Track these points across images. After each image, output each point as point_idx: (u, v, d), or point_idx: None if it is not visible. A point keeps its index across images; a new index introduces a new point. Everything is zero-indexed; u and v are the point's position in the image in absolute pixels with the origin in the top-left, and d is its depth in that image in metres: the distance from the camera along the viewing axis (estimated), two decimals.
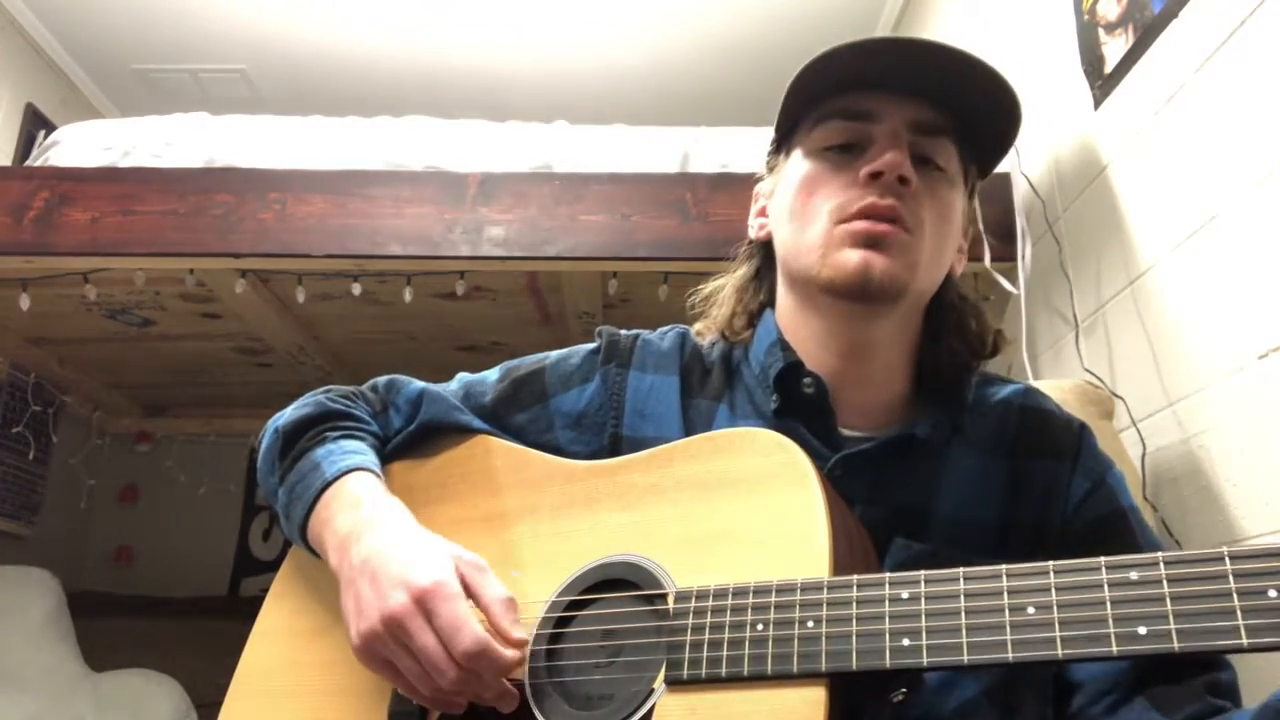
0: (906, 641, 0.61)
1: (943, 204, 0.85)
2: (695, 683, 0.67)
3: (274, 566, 3.36)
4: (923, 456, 0.85)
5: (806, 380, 0.86)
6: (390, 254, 1.93)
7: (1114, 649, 0.56)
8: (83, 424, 3.27)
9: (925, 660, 0.60)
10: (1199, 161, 1.34)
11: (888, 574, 0.64)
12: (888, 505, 0.82)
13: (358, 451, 0.91)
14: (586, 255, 1.94)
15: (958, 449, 0.86)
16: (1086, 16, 1.66)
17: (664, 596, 0.72)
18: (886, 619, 0.62)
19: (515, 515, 0.87)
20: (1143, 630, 0.55)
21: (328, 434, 0.92)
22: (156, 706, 2.54)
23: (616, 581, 0.76)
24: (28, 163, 2.24)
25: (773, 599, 0.66)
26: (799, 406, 0.86)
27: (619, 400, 0.93)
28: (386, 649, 0.73)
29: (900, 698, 0.64)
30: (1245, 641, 0.52)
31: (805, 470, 0.72)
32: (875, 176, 0.82)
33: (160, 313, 2.40)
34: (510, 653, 0.73)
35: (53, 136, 2.17)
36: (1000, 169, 1.93)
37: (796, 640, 0.64)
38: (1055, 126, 1.79)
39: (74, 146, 2.08)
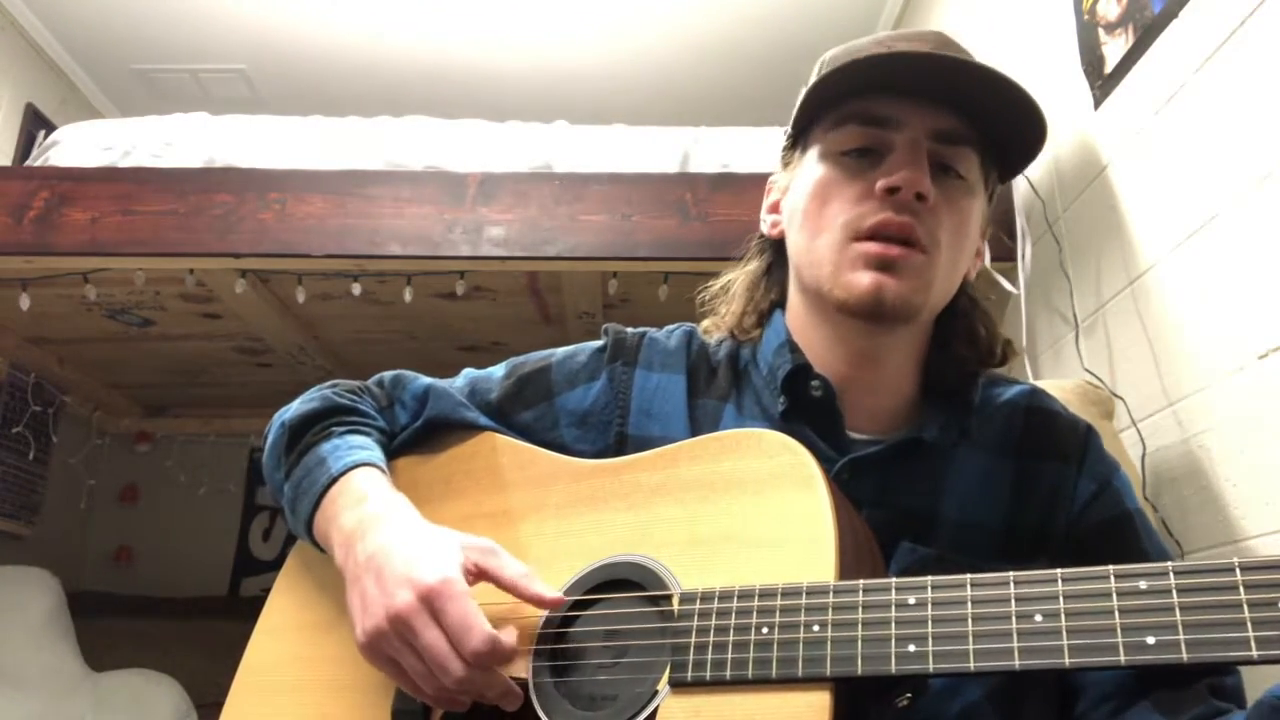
0: (912, 647, 0.61)
1: (961, 215, 0.84)
2: (699, 685, 0.66)
3: (274, 566, 3.37)
4: (929, 459, 0.85)
5: (815, 383, 0.85)
6: (390, 254, 1.93)
7: (1122, 659, 0.55)
8: (83, 424, 3.26)
9: (931, 667, 0.60)
10: (1199, 161, 1.34)
11: (894, 579, 0.64)
12: (894, 508, 0.82)
13: (364, 447, 0.91)
14: (586, 255, 1.94)
15: (964, 451, 0.86)
16: (1086, 16, 1.66)
17: (669, 597, 0.72)
18: (893, 624, 0.62)
19: (520, 513, 0.87)
20: (1151, 640, 0.55)
21: (334, 429, 0.92)
22: (156, 706, 2.54)
23: (621, 582, 0.76)
24: (28, 163, 2.24)
25: (778, 602, 0.66)
26: (806, 409, 0.86)
27: (625, 399, 0.93)
28: (391, 647, 0.73)
29: (905, 702, 0.64)
30: (1255, 653, 0.52)
31: (812, 472, 0.72)
32: (892, 191, 0.80)
33: (160, 313, 2.40)
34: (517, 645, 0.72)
35: (53, 136, 2.16)
36: None
37: (802, 644, 0.64)
38: (1055, 126, 1.79)
39: (74, 146, 2.08)
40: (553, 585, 0.79)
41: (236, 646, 0.96)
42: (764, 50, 3.12)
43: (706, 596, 0.69)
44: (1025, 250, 1.81)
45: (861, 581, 0.65)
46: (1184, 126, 1.38)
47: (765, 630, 0.65)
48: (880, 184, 0.80)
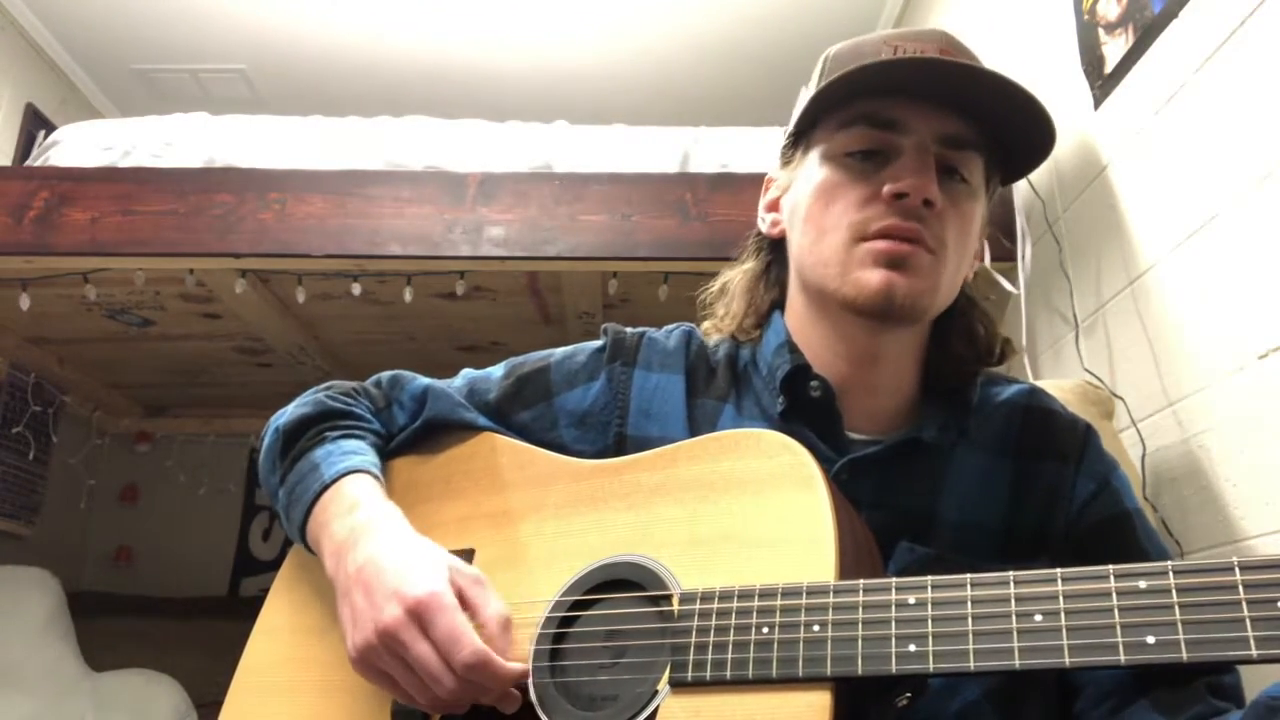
0: (913, 647, 0.61)
1: (965, 218, 0.84)
2: (700, 685, 0.66)
3: (274, 566, 3.36)
4: (928, 459, 0.85)
5: (814, 383, 0.85)
6: (390, 254, 1.93)
7: (1121, 658, 0.55)
8: (83, 424, 3.26)
9: (931, 666, 0.60)
10: (1199, 161, 1.34)
11: (894, 579, 0.64)
12: (893, 509, 0.82)
13: (357, 452, 0.91)
14: (586, 255, 1.94)
15: (962, 451, 0.86)
16: (1086, 16, 1.66)
17: (669, 597, 0.72)
18: (893, 624, 0.62)
19: (520, 513, 0.87)
20: (1151, 640, 0.55)
21: (327, 433, 0.92)
22: (156, 706, 2.54)
23: (621, 582, 0.76)
24: (28, 163, 2.24)
25: (778, 602, 0.66)
26: (805, 409, 0.86)
27: (624, 399, 0.93)
28: (382, 661, 0.74)
29: (905, 702, 0.64)
30: (1255, 653, 0.52)
31: (812, 472, 0.72)
32: (899, 197, 0.79)
33: (160, 313, 2.40)
34: (513, 665, 0.73)
35: (53, 136, 2.16)
36: None
37: (802, 644, 0.64)
38: (1055, 126, 1.79)
39: (74, 146, 2.08)
40: (553, 585, 0.79)
41: (236, 646, 0.96)
42: (764, 50, 3.12)
43: (706, 596, 0.69)
44: (1025, 250, 1.81)
45: (861, 581, 0.65)
46: (1184, 126, 1.38)
47: (765, 630, 0.65)
48: (888, 189, 0.80)
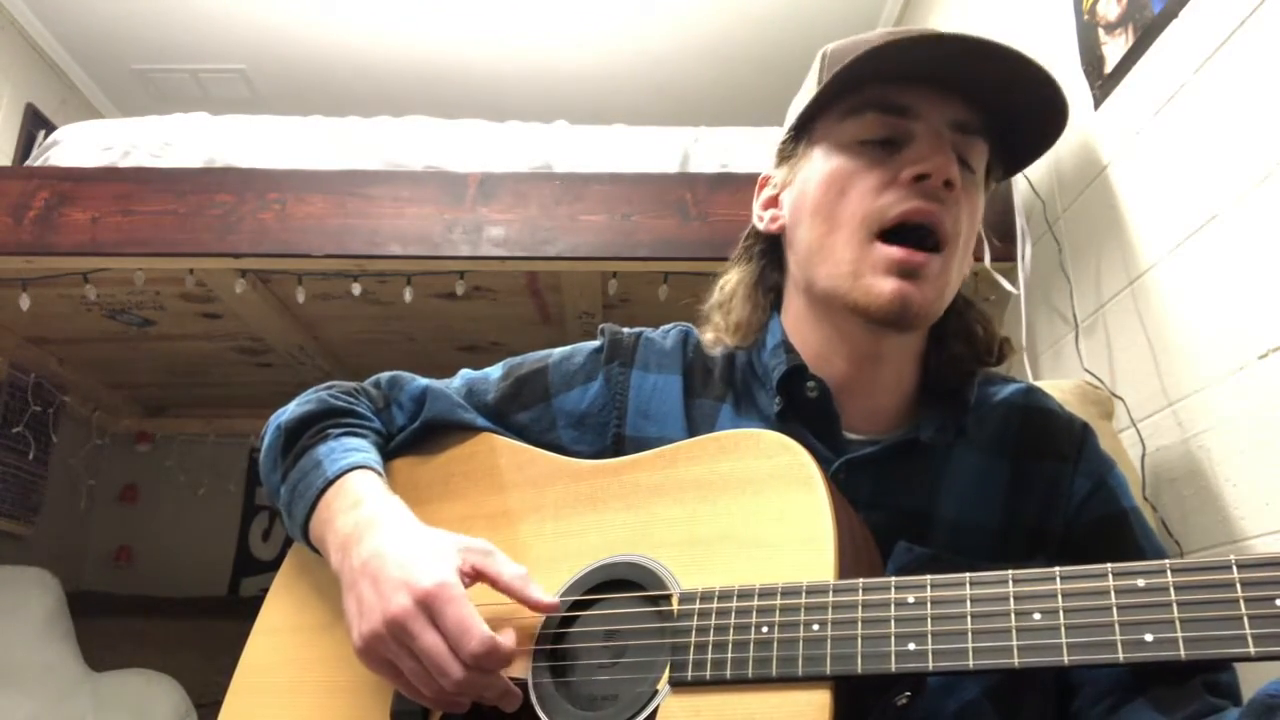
0: (912, 646, 0.61)
1: (973, 208, 0.83)
2: (699, 684, 0.67)
3: (274, 566, 3.36)
4: (925, 459, 0.84)
5: (810, 384, 0.85)
6: (390, 254, 1.93)
7: (1120, 656, 0.56)
8: (83, 424, 3.26)
9: (930, 665, 0.60)
10: (1199, 161, 1.34)
11: (894, 578, 0.64)
12: (891, 509, 0.82)
13: (360, 449, 0.91)
14: (586, 255, 1.94)
15: (960, 450, 0.86)
16: (1086, 16, 1.66)
17: (668, 597, 0.72)
18: (892, 623, 0.62)
19: (519, 514, 0.87)
20: (1149, 638, 0.55)
21: (330, 431, 0.92)
22: (156, 706, 2.54)
23: (620, 582, 0.76)
24: (28, 163, 2.24)
25: (778, 601, 0.66)
26: (802, 409, 0.86)
27: (622, 400, 0.93)
28: (389, 650, 0.73)
29: (904, 701, 0.64)
30: (1252, 650, 0.52)
31: (811, 472, 0.72)
32: (920, 179, 0.78)
33: (160, 313, 2.40)
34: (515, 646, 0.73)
35: (53, 136, 2.16)
36: None
37: (801, 643, 0.64)
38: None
39: (74, 146, 2.08)
40: (552, 586, 0.79)
41: (236, 646, 0.96)
42: (764, 50, 3.12)
43: (706, 596, 0.69)
44: (1025, 250, 1.81)
45: (861, 580, 0.65)
46: (1184, 126, 1.38)
47: (765, 629, 0.65)
48: (909, 171, 0.78)
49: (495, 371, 1.00)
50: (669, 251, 1.92)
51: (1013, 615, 0.59)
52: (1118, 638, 0.56)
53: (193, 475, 3.43)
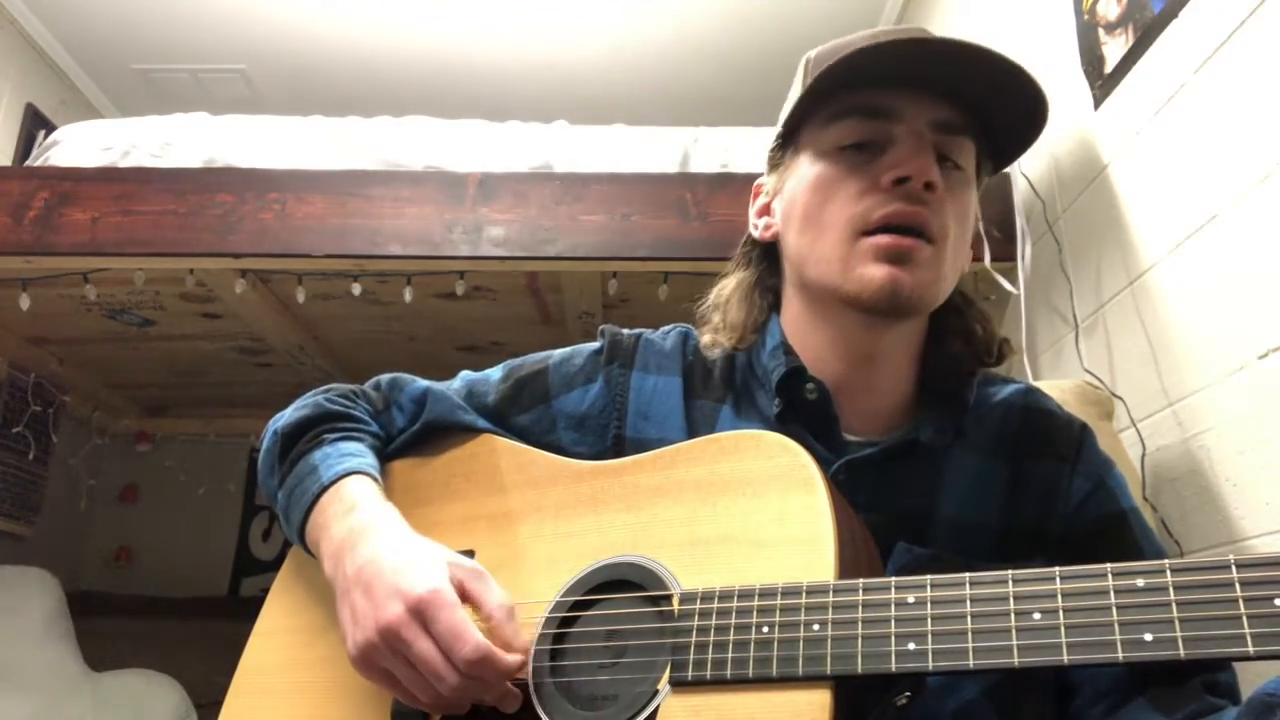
0: (912, 645, 0.61)
1: (962, 206, 0.83)
2: (700, 684, 0.67)
3: (274, 566, 3.36)
4: (924, 460, 0.84)
5: (809, 386, 0.85)
6: (390, 254, 1.93)
7: (1120, 655, 0.56)
8: (83, 424, 3.26)
9: (930, 665, 0.60)
10: (1199, 161, 1.34)
11: (894, 578, 0.64)
12: (890, 509, 0.82)
13: (355, 454, 0.91)
14: (586, 255, 1.94)
15: (959, 451, 0.86)
16: (1086, 16, 1.66)
17: (669, 597, 0.72)
18: (892, 623, 0.62)
19: (519, 514, 0.87)
20: (1149, 637, 0.55)
21: (326, 436, 0.92)
22: (156, 706, 2.54)
23: (621, 582, 0.76)
24: (28, 163, 2.24)
25: (778, 601, 0.66)
26: (801, 411, 0.86)
27: (622, 402, 0.93)
28: (384, 658, 0.74)
29: (904, 701, 0.64)
30: (1251, 650, 0.52)
31: (811, 473, 0.72)
32: (899, 182, 0.78)
33: (160, 313, 2.40)
34: (512, 658, 0.73)
35: (53, 136, 2.16)
36: None
37: (802, 643, 0.64)
38: (1055, 126, 1.79)
39: (74, 146, 2.08)
40: (553, 586, 0.79)
41: (236, 647, 0.96)
42: (764, 50, 3.13)
43: (706, 596, 0.69)
44: (1025, 250, 1.81)
45: (861, 581, 0.65)
46: (1184, 126, 1.38)
47: (765, 629, 0.66)
48: (889, 175, 0.79)
49: (495, 373, 1.00)
50: (669, 251, 1.92)
51: (1012, 615, 0.59)
52: (1117, 637, 0.56)
53: (193, 475, 3.44)
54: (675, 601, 0.71)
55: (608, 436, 0.92)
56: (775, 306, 0.94)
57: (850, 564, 0.68)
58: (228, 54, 3.19)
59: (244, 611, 1.04)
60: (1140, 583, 0.57)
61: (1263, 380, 1.19)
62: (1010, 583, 0.61)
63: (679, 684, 0.67)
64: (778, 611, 0.66)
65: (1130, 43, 1.51)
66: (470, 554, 0.86)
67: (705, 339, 0.94)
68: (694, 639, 0.68)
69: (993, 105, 0.81)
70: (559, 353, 0.99)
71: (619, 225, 1.93)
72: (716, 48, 3.14)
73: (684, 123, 2.19)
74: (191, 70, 3.28)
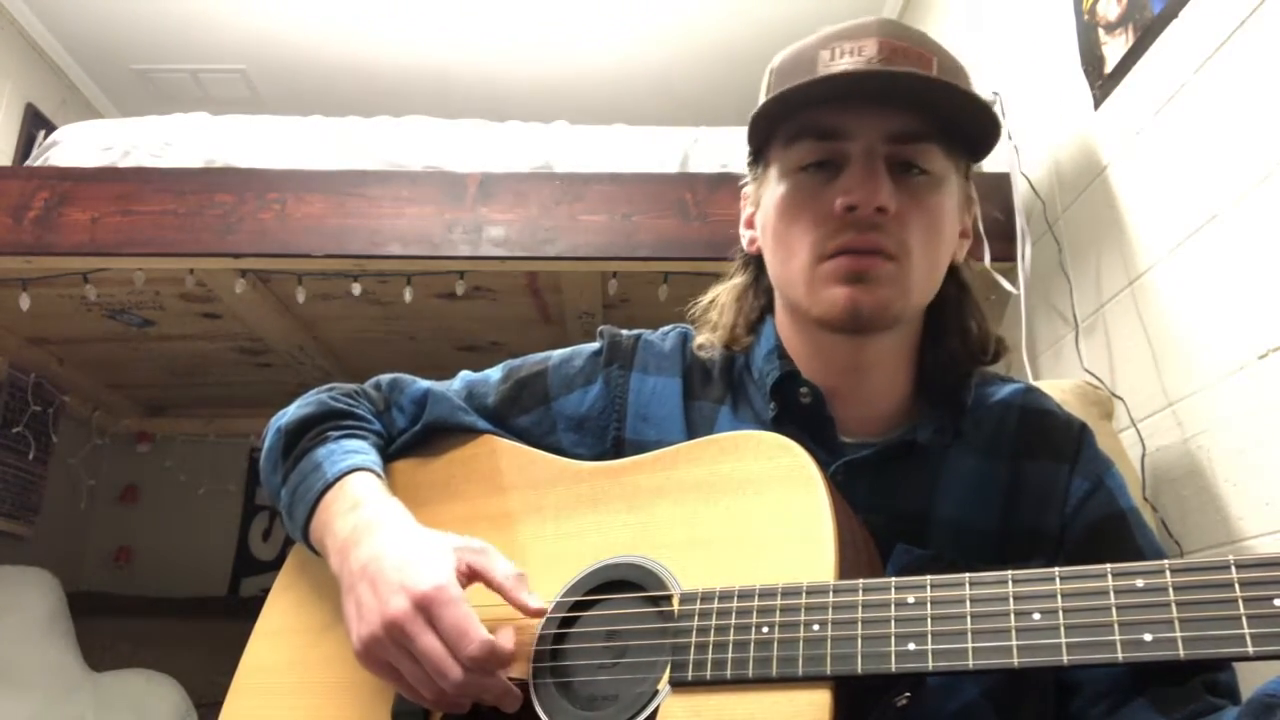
0: (912, 646, 0.61)
1: (930, 212, 0.81)
2: (700, 684, 0.67)
3: (274, 566, 3.36)
4: (923, 461, 0.84)
5: (803, 390, 0.85)
6: (390, 254, 1.94)
7: (1119, 655, 0.56)
8: (83, 424, 3.27)
9: (930, 665, 0.60)
10: (1199, 161, 1.34)
11: (893, 579, 0.64)
12: (888, 511, 0.82)
13: (359, 451, 0.91)
14: (586, 255, 1.94)
15: (957, 452, 0.86)
16: (1086, 16, 1.66)
17: (669, 598, 0.72)
18: (892, 623, 0.62)
19: (520, 515, 0.87)
20: (1148, 637, 0.55)
21: (330, 433, 0.92)
22: (156, 706, 2.54)
23: (621, 583, 0.76)
24: (28, 163, 2.24)
25: (778, 601, 0.66)
26: (796, 414, 0.86)
27: (621, 403, 0.93)
28: (388, 653, 0.74)
29: (904, 701, 0.64)
30: (1251, 650, 0.52)
31: (811, 473, 0.72)
32: (851, 209, 0.78)
33: (160, 313, 2.40)
34: (510, 650, 0.73)
35: (53, 136, 2.17)
36: (1000, 169, 1.94)
37: (802, 643, 0.64)
38: (1055, 126, 1.80)
39: (74, 146, 2.08)
40: (553, 586, 0.79)
41: (236, 647, 0.96)
42: (764, 50, 3.07)
43: (706, 597, 0.69)
44: (1025, 250, 1.81)
45: (861, 581, 0.65)
46: (1184, 126, 1.38)
47: (765, 630, 0.66)
48: (839, 203, 0.78)
49: (495, 374, 1.00)
50: (669, 251, 1.92)
51: (1012, 615, 0.59)
52: (1117, 638, 0.56)
53: (193, 475, 3.44)
54: (675, 602, 0.71)
55: (607, 438, 0.92)
56: (771, 308, 0.94)
57: (850, 564, 0.68)
58: (228, 54, 3.19)
59: (244, 611, 1.04)
60: (1140, 583, 0.57)
61: (1263, 380, 1.19)
62: (1010, 583, 0.61)
63: (679, 684, 0.67)
64: (778, 612, 0.66)
65: (1130, 43, 1.51)
66: None
67: (698, 340, 0.95)
68: (694, 639, 0.68)
69: (947, 112, 0.80)
70: (558, 354, 0.99)
71: (619, 225, 1.93)
72: (717, 48, 3.14)
73: (684, 123, 2.19)
74: (191, 70, 3.28)
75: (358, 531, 0.81)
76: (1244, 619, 0.53)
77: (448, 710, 0.76)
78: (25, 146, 2.90)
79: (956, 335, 0.88)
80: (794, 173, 0.83)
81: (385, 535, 0.79)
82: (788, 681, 0.63)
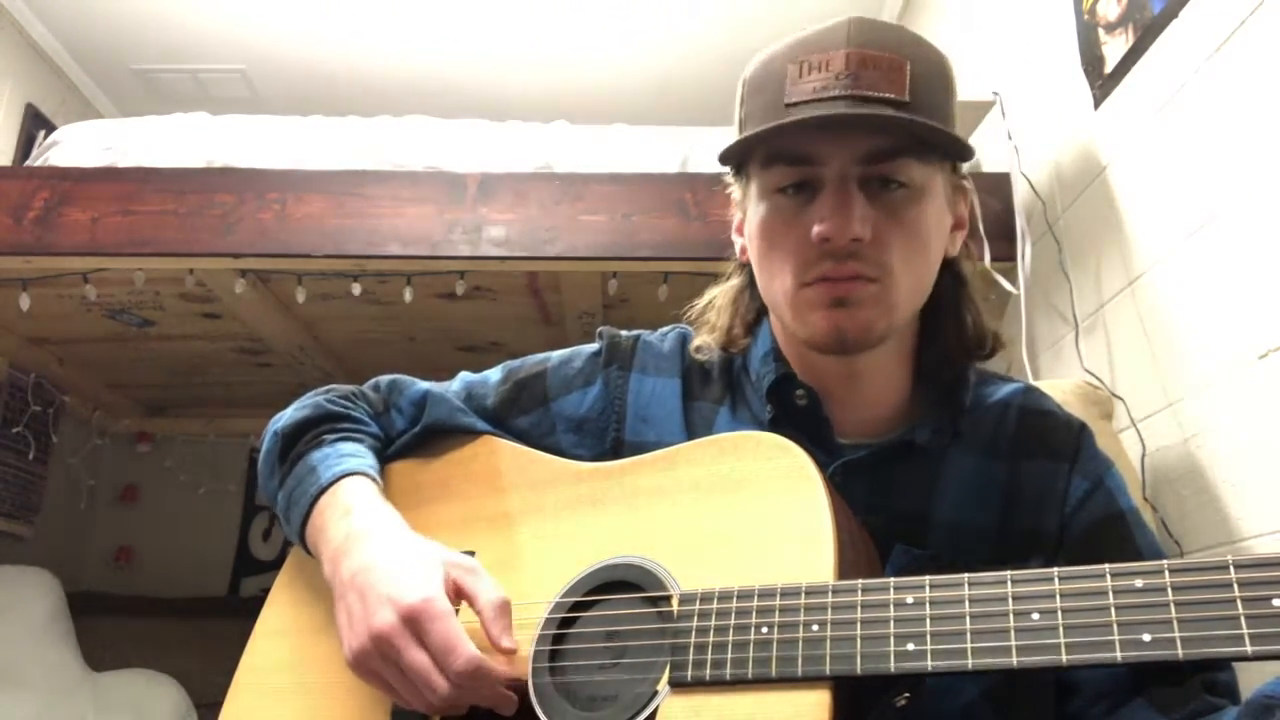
0: (911, 646, 0.61)
1: (909, 226, 0.79)
2: (699, 684, 0.67)
3: (274, 566, 3.36)
4: (921, 461, 0.84)
5: (799, 392, 0.85)
6: (390, 254, 1.94)
7: (1118, 655, 0.56)
8: (83, 424, 3.27)
9: (930, 665, 0.60)
10: (1199, 161, 1.34)
11: (893, 579, 0.64)
12: (887, 511, 0.82)
13: (355, 455, 0.91)
14: (586, 255, 1.94)
15: (955, 452, 0.86)
16: (1086, 16, 1.66)
17: (668, 598, 0.72)
18: (891, 623, 0.62)
19: (519, 516, 0.87)
20: (1147, 637, 0.56)
21: (325, 436, 0.92)
22: (156, 706, 2.54)
23: (620, 583, 0.76)
24: (28, 163, 2.25)
25: (777, 602, 0.66)
26: (793, 416, 0.86)
27: (621, 405, 0.93)
28: (377, 665, 0.74)
29: (903, 702, 0.64)
30: (1249, 650, 0.52)
31: (810, 474, 0.72)
32: (826, 239, 0.77)
33: (160, 313, 2.40)
34: (502, 670, 0.73)
35: (53, 136, 2.17)
36: (1000, 169, 1.94)
37: (801, 643, 0.64)
38: (1055, 126, 1.79)
39: (74, 146, 2.08)
40: (553, 587, 0.79)
41: (236, 647, 0.96)
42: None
43: (706, 597, 0.69)
44: (1025, 250, 1.81)
45: (860, 581, 0.65)
46: (1184, 126, 1.38)
47: (765, 630, 0.66)
48: (813, 233, 0.77)
49: (494, 375, 1.00)
50: (669, 251, 1.92)
51: (1011, 616, 0.59)
52: (1116, 638, 0.56)
53: (193, 475, 3.44)
54: (675, 602, 0.71)
55: (607, 439, 0.92)
56: (768, 310, 0.93)
57: (849, 564, 0.68)
58: (228, 54, 3.19)
59: (244, 611, 1.04)
60: (1139, 583, 0.57)
61: (1263, 380, 1.19)
62: (1009, 583, 0.61)
63: (678, 684, 0.68)
64: (777, 612, 0.66)
65: (1130, 43, 1.51)
66: (470, 555, 0.86)
67: (696, 341, 0.95)
68: (693, 639, 0.68)
69: (920, 129, 0.77)
70: (557, 354, 0.99)
71: (619, 225, 1.93)
72: (717, 48, 3.14)
73: (684, 123, 2.19)
74: (191, 70, 3.28)
75: (349, 540, 0.81)
76: (1243, 619, 0.53)
77: (445, 714, 0.76)
78: (25, 146, 2.90)
79: (952, 331, 0.88)
80: (771, 194, 0.82)
81: (375, 545, 0.79)
82: (787, 682, 0.64)
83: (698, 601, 0.70)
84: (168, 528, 3.44)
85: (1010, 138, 1.88)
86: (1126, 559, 0.60)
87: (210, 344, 2.66)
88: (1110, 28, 1.58)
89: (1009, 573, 0.61)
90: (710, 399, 0.92)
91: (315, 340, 2.64)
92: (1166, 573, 0.57)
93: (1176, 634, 0.55)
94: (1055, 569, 0.60)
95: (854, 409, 0.87)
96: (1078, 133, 1.70)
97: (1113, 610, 0.57)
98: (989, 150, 2.02)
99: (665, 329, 0.99)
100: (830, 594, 0.65)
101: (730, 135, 0.85)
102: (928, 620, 0.62)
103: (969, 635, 0.60)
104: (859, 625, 0.63)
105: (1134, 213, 1.53)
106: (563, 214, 1.95)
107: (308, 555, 0.90)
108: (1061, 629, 0.58)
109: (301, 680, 0.90)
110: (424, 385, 1.00)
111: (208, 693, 2.58)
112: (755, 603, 0.67)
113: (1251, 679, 0.76)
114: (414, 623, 0.72)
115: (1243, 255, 1.24)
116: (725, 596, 0.69)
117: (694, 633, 0.68)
